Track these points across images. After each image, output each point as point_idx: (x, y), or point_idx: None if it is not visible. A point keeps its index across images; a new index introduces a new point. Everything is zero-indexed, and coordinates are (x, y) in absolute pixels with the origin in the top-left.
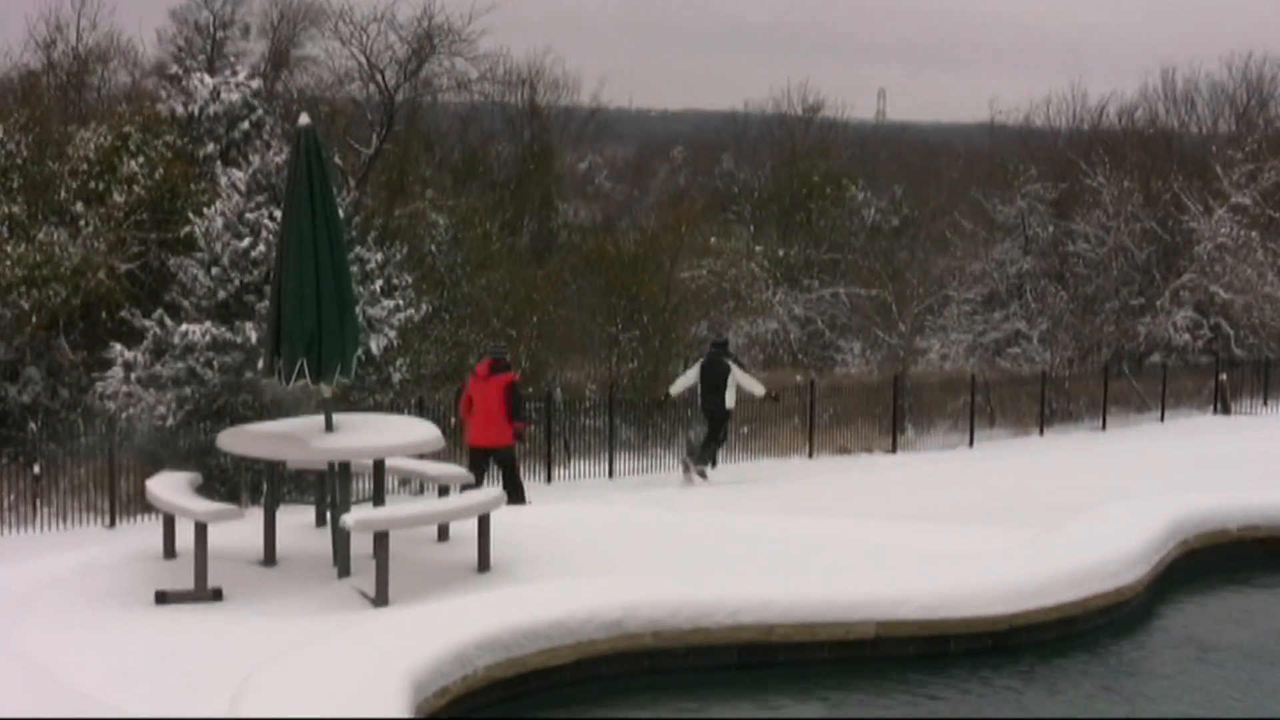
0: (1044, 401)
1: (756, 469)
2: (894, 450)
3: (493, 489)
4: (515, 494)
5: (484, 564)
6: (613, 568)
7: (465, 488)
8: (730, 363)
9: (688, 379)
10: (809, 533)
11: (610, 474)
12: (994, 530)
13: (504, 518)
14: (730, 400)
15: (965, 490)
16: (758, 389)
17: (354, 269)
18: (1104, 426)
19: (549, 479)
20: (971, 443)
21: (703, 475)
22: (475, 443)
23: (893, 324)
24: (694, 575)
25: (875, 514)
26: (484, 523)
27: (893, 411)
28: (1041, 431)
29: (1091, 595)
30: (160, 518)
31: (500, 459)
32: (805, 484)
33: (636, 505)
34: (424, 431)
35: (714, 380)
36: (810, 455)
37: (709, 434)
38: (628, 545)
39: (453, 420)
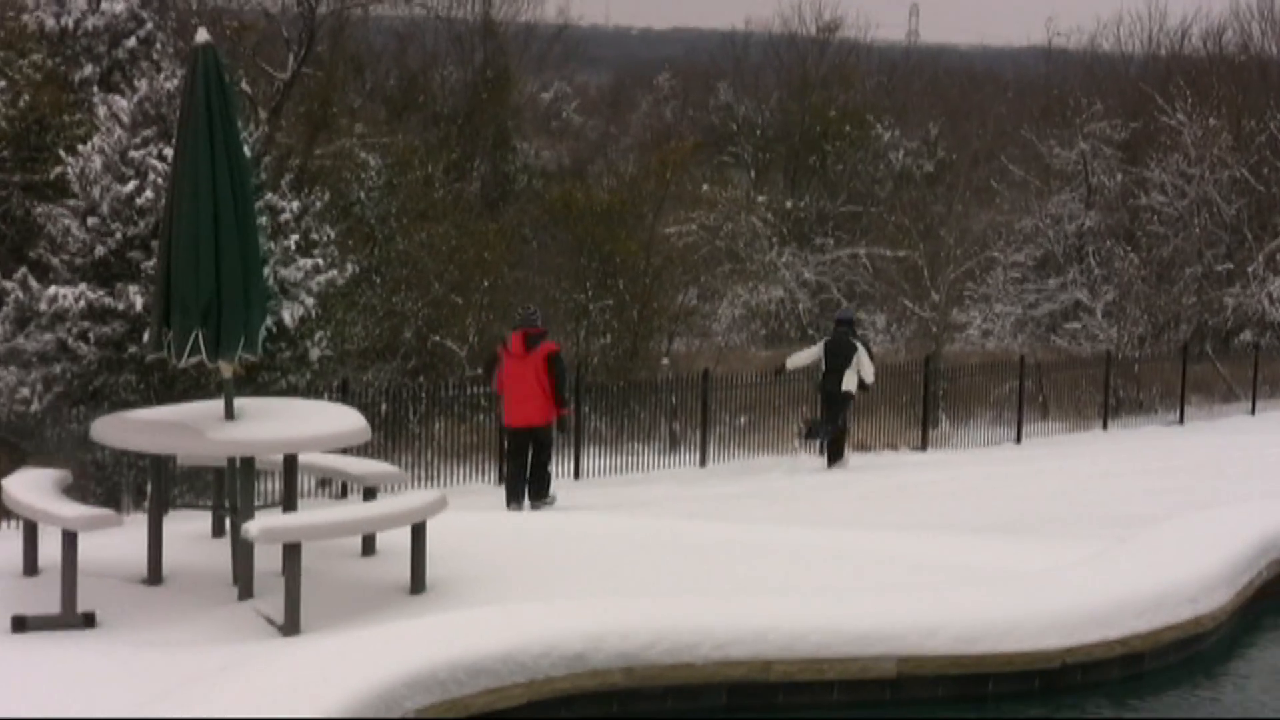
0: (1108, 389)
1: (754, 467)
2: (924, 447)
3: (427, 493)
4: (542, 486)
5: (418, 584)
6: (577, 588)
7: (391, 489)
8: (857, 343)
9: (809, 354)
10: (815, 546)
11: (576, 473)
12: (1044, 545)
13: (446, 526)
14: (850, 383)
15: (1010, 496)
16: (870, 377)
17: (263, 220)
18: (1181, 419)
19: (501, 478)
20: (1019, 438)
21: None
22: (514, 422)
23: (924, 293)
24: (675, 598)
25: (899, 524)
26: (419, 533)
27: (923, 399)
28: (1105, 425)
29: (1163, 625)
30: (19, 525)
31: (542, 441)
32: (815, 488)
33: (609, 511)
34: (347, 421)
35: (836, 360)
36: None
37: (826, 417)
38: (596, 560)
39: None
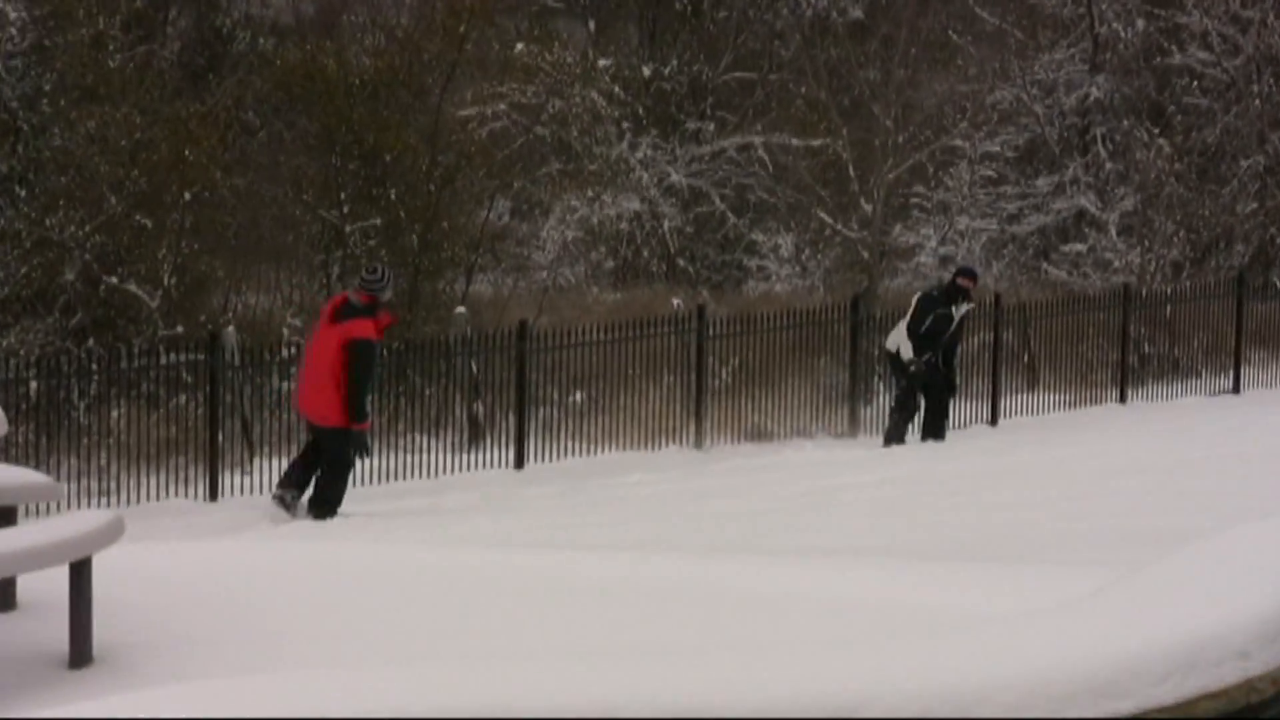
0: (1127, 342)
1: (597, 467)
2: (852, 434)
3: (95, 513)
4: (325, 502)
5: (81, 653)
6: (329, 654)
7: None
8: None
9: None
10: (692, 583)
11: None
12: (1026, 575)
13: (129, 564)
14: (906, 351)
15: (978, 504)
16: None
17: None
18: (1236, 387)
19: (213, 491)
20: (994, 418)
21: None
22: (301, 409)
23: (851, 202)
24: (485, 663)
25: (815, 547)
26: (82, 575)
27: (849, 363)
28: (1123, 396)
29: (1198, 693)
30: None
31: (327, 443)
32: (687, 496)
33: (384, 539)
34: None
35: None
36: (698, 444)
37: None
38: (361, 612)
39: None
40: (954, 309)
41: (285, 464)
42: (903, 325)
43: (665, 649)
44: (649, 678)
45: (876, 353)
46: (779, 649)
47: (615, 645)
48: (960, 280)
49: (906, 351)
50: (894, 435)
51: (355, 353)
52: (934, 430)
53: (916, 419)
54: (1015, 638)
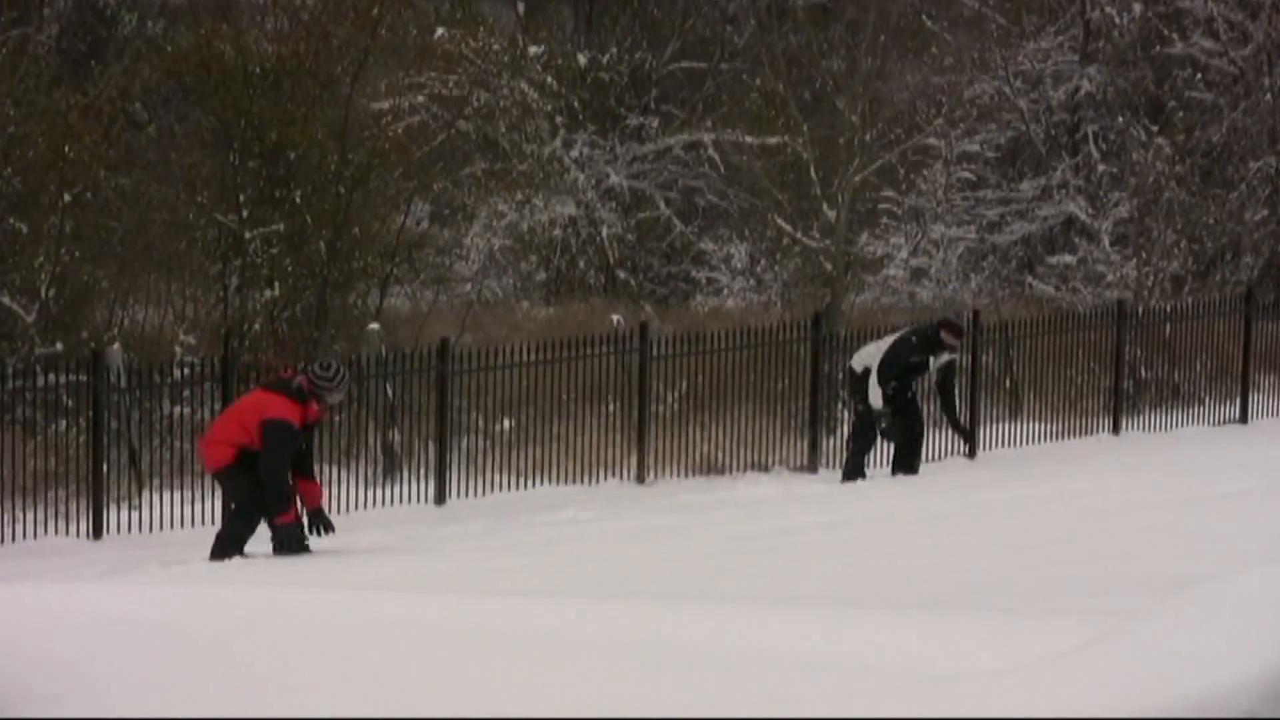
0: (1121, 366)
1: (526, 503)
2: (812, 468)
3: None
4: (224, 541)
5: None
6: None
7: None
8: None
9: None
10: (631, 636)
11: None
12: (1005, 627)
13: (4, 608)
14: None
15: (958, 546)
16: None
17: None
18: (1244, 415)
19: (97, 528)
20: (972, 450)
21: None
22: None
23: (812, 207)
24: None
25: (774, 594)
26: None
27: (809, 388)
28: (1116, 427)
29: None
30: None
31: (226, 485)
32: (628, 536)
33: (283, 582)
34: None
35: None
36: (640, 478)
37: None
38: (243, 664)
39: None
40: (931, 359)
41: (177, 497)
42: (872, 349)
43: (596, 714)
44: None
45: (840, 376)
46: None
47: (534, 709)
48: (944, 334)
49: (876, 401)
50: (852, 470)
51: (267, 434)
52: (905, 464)
53: (878, 450)
54: (992, 698)
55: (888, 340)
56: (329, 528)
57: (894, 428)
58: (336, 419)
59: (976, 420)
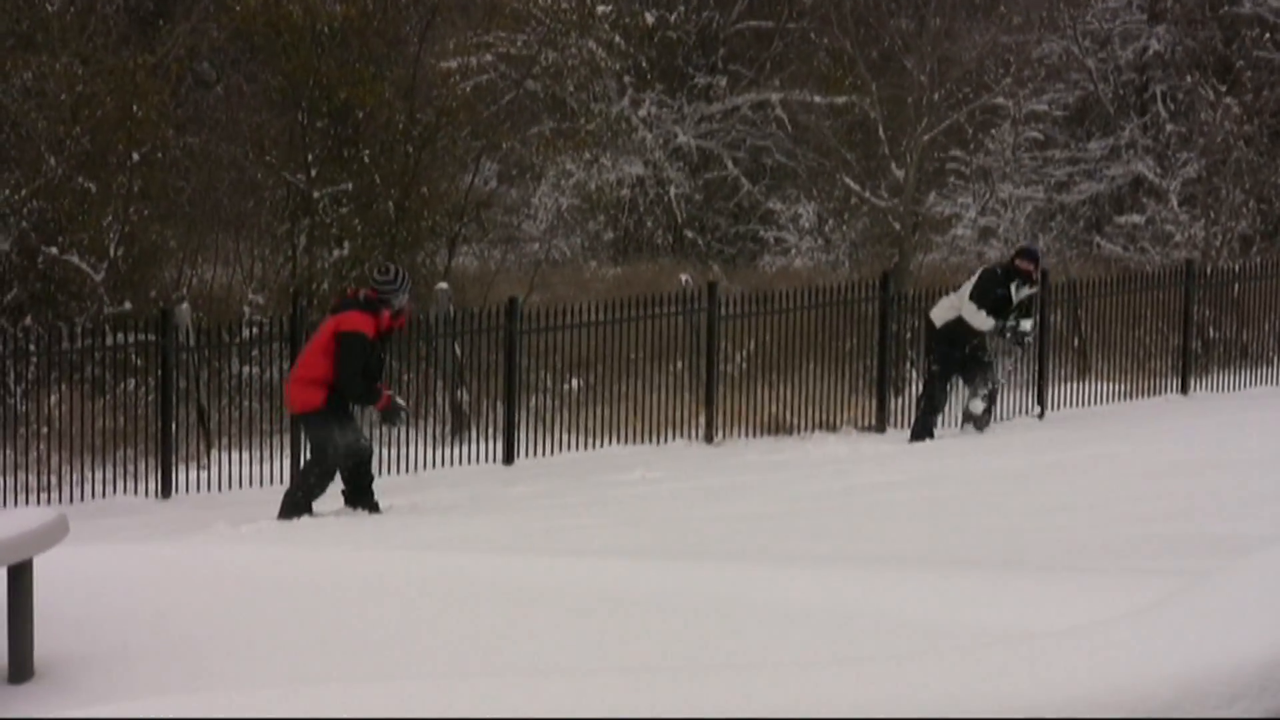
0: (1190, 326)
1: (594, 462)
2: (880, 427)
3: (34, 511)
4: (295, 500)
5: (21, 666)
6: (291, 668)
7: None
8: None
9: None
10: (699, 594)
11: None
12: (1079, 585)
13: (76, 567)
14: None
15: (1025, 505)
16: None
17: None
18: None
19: (166, 487)
20: (1042, 410)
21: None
22: (286, 401)
23: (881, 167)
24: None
25: (842, 553)
26: (21, 580)
27: (878, 347)
28: (1185, 387)
29: (1275, 718)
30: None
31: (309, 432)
32: (696, 496)
33: (353, 542)
34: None
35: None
36: (709, 437)
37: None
38: (320, 623)
39: None
40: (1012, 290)
41: (245, 456)
42: (953, 298)
43: (662, 665)
44: (640, 693)
45: (909, 336)
46: (811, 666)
47: (603, 662)
48: (1019, 262)
49: (984, 324)
50: (921, 430)
51: (341, 345)
52: (975, 418)
53: (950, 407)
54: (1061, 656)
55: (967, 285)
56: (406, 416)
57: (1021, 333)
58: (407, 377)
59: (1045, 380)
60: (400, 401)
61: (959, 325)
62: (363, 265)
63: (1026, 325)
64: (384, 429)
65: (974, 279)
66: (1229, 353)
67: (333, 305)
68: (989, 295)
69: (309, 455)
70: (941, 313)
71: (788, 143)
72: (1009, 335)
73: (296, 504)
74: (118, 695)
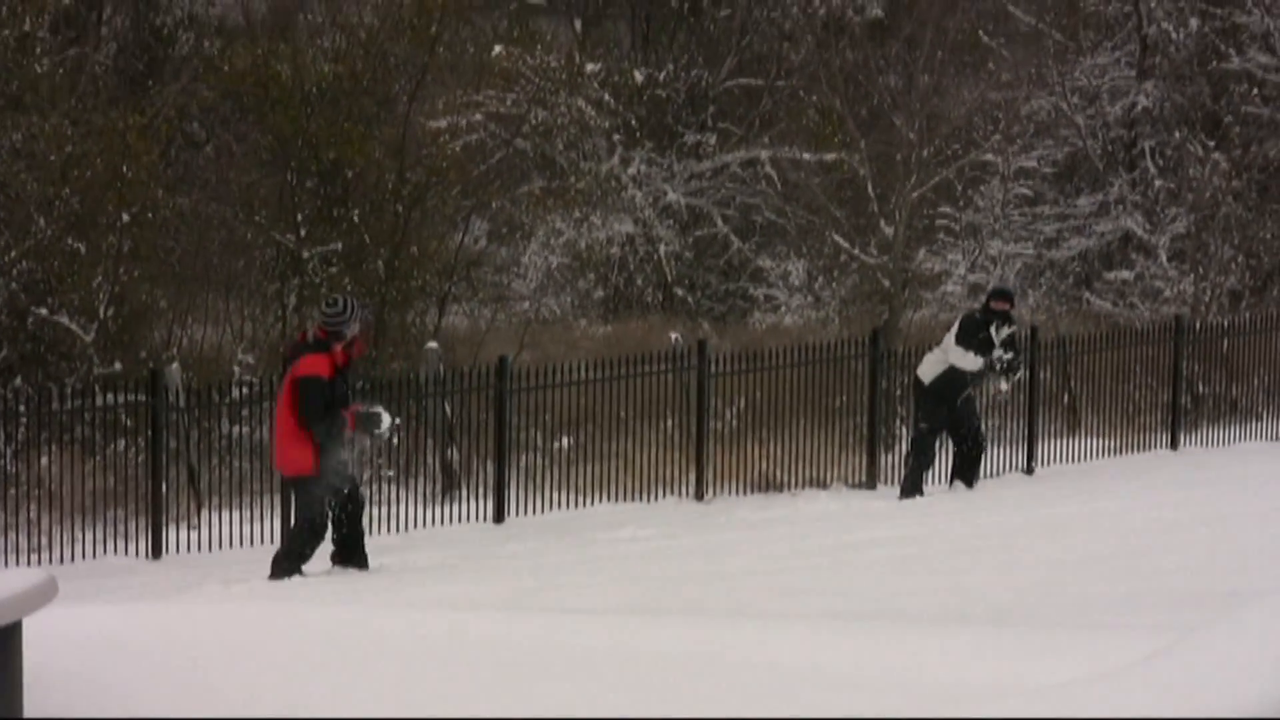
0: (1179, 381)
1: (584, 520)
2: (870, 484)
3: (23, 573)
4: (286, 559)
5: None
6: None
7: None
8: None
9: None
10: (692, 653)
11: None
12: (1070, 640)
13: (64, 630)
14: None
15: (1016, 562)
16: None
17: None
18: None
19: (156, 547)
20: (1030, 465)
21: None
22: (275, 463)
23: (870, 224)
24: None
25: (835, 610)
26: (10, 641)
27: (868, 404)
28: (1174, 441)
29: None
30: None
31: (296, 495)
32: (687, 554)
33: (344, 601)
34: None
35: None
36: (699, 495)
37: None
38: (312, 683)
39: None
40: (993, 332)
41: (235, 516)
42: (937, 354)
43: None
44: None
45: (899, 393)
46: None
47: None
48: (994, 304)
49: (971, 364)
50: (911, 486)
51: (300, 391)
52: (964, 474)
53: (939, 463)
54: (1051, 712)
55: (949, 334)
56: (386, 419)
57: (1012, 363)
58: (397, 438)
59: (1035, 436)
60: (369, 409)
61: (947, 379)
62: None
63: (1011, 355)
64: (373, 441)
65: (955, 325)
66: (1219, 408)
67: (284, 355)
68: (974, 338)
69: (297, 516)
70: (929, 369)
71: (777, 200)
72: (999, 368)
73: (288, 564)
74: None
